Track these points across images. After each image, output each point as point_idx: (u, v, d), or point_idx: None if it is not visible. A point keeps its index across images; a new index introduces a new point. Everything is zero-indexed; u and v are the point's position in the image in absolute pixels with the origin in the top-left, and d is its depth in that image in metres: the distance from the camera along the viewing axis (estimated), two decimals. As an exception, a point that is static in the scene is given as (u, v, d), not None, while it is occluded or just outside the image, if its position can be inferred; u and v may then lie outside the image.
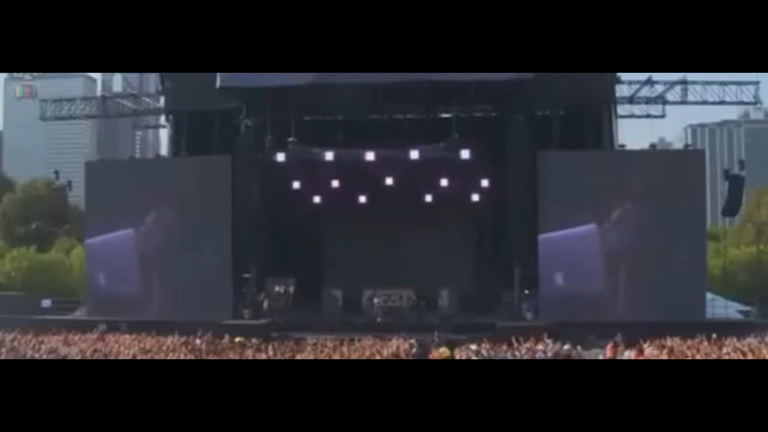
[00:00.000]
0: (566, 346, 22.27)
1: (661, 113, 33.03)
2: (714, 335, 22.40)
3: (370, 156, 28.27)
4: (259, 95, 27.98)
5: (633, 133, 36.00)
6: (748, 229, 46.53)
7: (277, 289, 29.85)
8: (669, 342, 22.02)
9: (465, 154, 27.82)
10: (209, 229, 28.68)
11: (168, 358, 22.30)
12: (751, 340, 21.91)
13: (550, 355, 21.64)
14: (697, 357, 20.59)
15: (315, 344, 23.27)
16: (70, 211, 46.47)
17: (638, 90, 31.61)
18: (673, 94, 31.35)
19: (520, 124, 28.21)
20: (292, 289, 30.56)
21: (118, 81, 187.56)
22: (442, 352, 22.10)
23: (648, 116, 33.27)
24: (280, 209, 30.29)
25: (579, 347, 22.33)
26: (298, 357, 22.06)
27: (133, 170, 32.35)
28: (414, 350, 22.89)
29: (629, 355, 21.34)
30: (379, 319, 28.18)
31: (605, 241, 27.04)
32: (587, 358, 21.90)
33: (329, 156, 28.53)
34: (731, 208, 31.54)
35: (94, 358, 22.28)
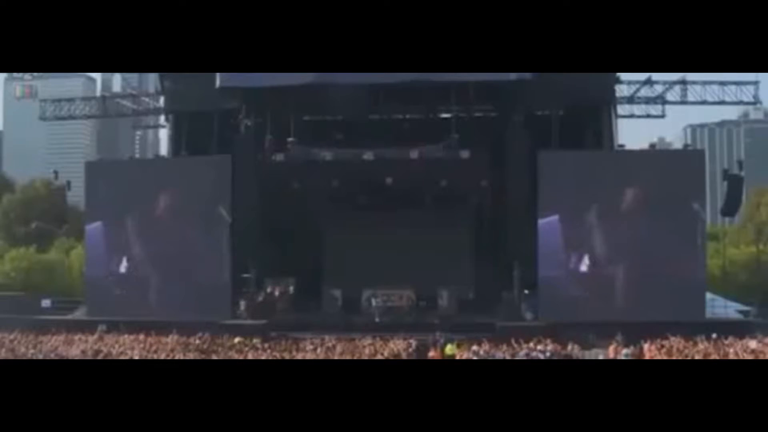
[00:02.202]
0: (566, 346, 22.30)
1: (660, 113, 32.99)
2: (714, 335, 22.42)
3: (370, 156, 28.23)
4: (259, 95, 27.95)
5: (633, 133, 36.02)
6: (748, 229, 46.46)
7: (269, 290, 29.79)
8: (669, 342, 22.06)
9: (465, 154, 27.77)
10: (209, 229, 28.65)
11: (168, 358, 22.34)
12: (751, 341, 21.94)
13: (550, 355, 21.67)
14: (697, 357, 20.62)
15: (314, 344, 23.30)
16: (69, 211, 46.37)
17: (638, 90, 31.54)
18: (673, 94, 31.27)
19: (520, 124, 28.16)
20: (291, 289, 30.50)
21: (117, 81, 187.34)
22: (449, 349, 22.17)
23: (648, 116, 33.22)
24: (280, 209, 30.25)
25: (579, 347, 22.36)
26: (297, 357, 22.09)
27: (132, 170, 32.29)
28: (413, 350, 22.94)
29: (628, 354, 21.38)
30: (377, 319, 28.13)
31: (605, 241, 26.99)
32: (587, 358, 21.92)
33: (329, 156, 28.50)
34: (731, 208, 31.50)
35: (95, 358, 22.33)
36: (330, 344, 23.04)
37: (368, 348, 22.63)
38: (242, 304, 28.27)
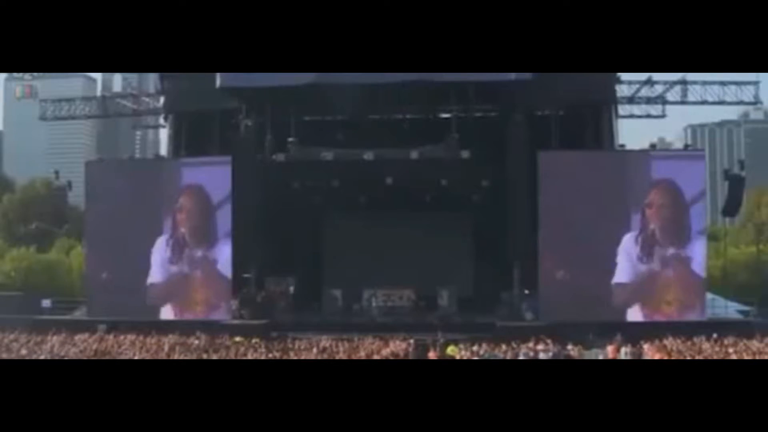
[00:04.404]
0: (566, 346, 22.29)
1: (661, 113, 33.01)
2: (714, 335, 22.41)
3: (370, 156, 28.25)
4: (259, 95, 27.94)
5: (633, 133, 35.98)
6: (748, 229, 46.48)
7: (273, 288, 29.82)
8: (669, 342, 22.06)
9: (465, 154, 27.79)
10: (209, 229, 28.65)
11: (168, 358, 22.34)
12: (751, 341, 21.91)
13: (550, 355, 21.66)
14: (697, 357, 20.61)
15: (314, 344, 23.29)
16: (70, 211, 46.41)
17: (638, 90, 31.54)
18: (673, 94, 31.27)
19: (520, 124, 28.14)
20: (291, 289, 30.52)
21: (118, 81, 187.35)
22: (449, 350, 22.17)
23: (648, 116, 33.24)
24: (280, 209, 30.26)
25: (579, 347, 22.36)
26: (297, 357, 22.09)
27: (133, 170, 32.28)
28: (413, 350, 22.94)
29: (628, 354, 21.38)
30: (377, 319, 28.13)
31: (605, 241, 26.97)
32: (587, 358, 21.91)
33: (329, 156, 28.52)
34: (731, 208, 31.48)
35: (94, 358, 22.32)
36: (330, 344, 23.03)
37: (368, 348, 22.62)
38: (234, 303, 28.24)
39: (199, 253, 28.55)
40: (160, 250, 28.74)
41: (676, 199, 26.94)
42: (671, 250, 26.69)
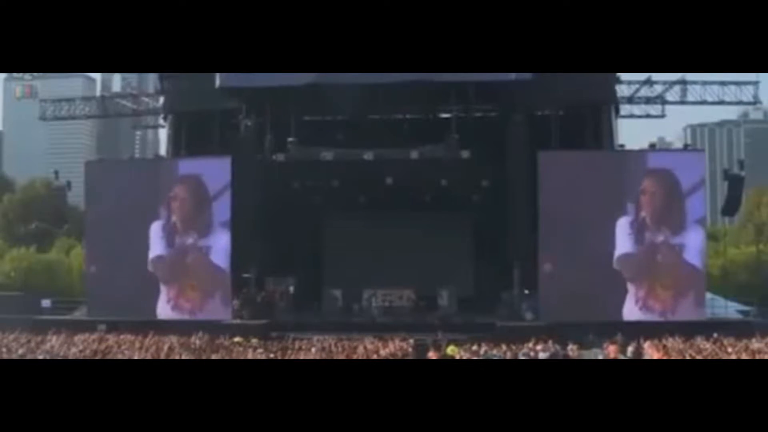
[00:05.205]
0: (566, 346, 22.29)
1: (660, 113, 33.02)
2: (714, 335, 22.41)
3: (370, 156, 28.25)
4: (259, 95, 27.96)
5: (633, 133, 36.03)
6: (748, 229, 46.48)
7: (269, 290, 29.84)
8: (669, 342, 22.05)
9: (465, 154, 27.80)
10: (203, 219, 28.66)
11: (168, 358, 22.33)
12: (751, 341, 21.90)
13: (549, 355, 21.65)
14: (697, 357, 20.61)
15: (314, 344, 23.28)
16: (69, 211, 46.43)
17: (638, 90, 31.57)
18: (673, 94, 31.30)
19: (520, 124, 28.16)
20: (291, 289, 30.52)
21: (117, 81, 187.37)
22: (450, 350, 22.17)
23: (648, 116, 33.26)
24: (280, 209, 30.28)
25: (579, 347, 22.35)
26: (297, 357, 22.08)
27: (132, 170, 32.29)
28: (413, 350, 22.93)
29: (629, 354, 21.37)
30: (377, 319, 28.14)
31: (605, 241, 26.98)
32: (587, 358, 21.91)
33: (329, 156, 28.52)
34: (731, 208, 31.49)
35: (94, 358, 22.31)
36: (329, 344, 23.03)
37: (368, 348, 22.61)
38: (234, 303, 28.24)
39: (189, 241, 28.62)
40: (154, 236, 28.82)
41: (671, 188, 26.98)
42: (661, 237, 26.78)
